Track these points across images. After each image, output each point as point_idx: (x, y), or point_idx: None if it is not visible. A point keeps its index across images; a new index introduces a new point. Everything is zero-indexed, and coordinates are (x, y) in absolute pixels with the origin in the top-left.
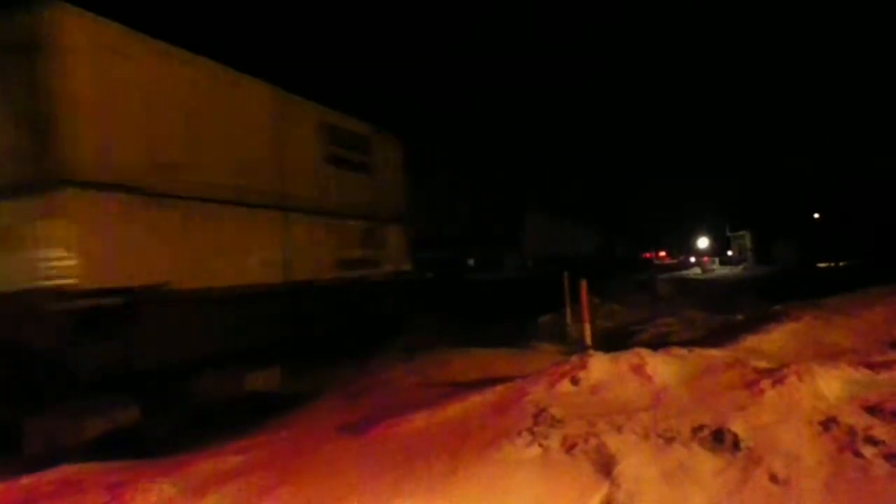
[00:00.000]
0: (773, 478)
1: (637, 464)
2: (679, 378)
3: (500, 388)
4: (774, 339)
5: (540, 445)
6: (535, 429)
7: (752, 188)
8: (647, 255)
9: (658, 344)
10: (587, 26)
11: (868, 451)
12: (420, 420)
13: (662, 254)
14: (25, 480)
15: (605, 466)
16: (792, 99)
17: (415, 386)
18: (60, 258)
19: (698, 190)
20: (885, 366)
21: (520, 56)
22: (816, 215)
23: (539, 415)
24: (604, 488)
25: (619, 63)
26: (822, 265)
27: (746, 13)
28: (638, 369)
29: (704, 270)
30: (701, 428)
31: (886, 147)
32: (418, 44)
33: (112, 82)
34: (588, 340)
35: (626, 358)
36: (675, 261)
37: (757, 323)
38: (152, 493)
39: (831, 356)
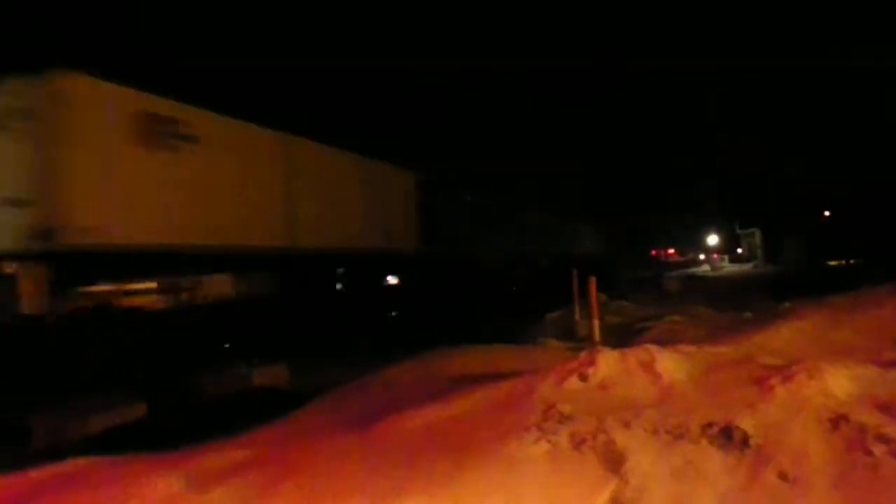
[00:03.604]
0: (782, 475)
1: (645, 460)
2: (688, 374)
3: (507, 384)
4: (783, 337)
5: (548, 441)
6: (544, 425)
7: (762, 186)
8: (654, 252)
9: (667, 340)
10: (601, 35)
11: (878, 449)
12: (426, 415)
13: (671, 251)
14: (33, 473)
15: (614, 463)
16: (802, 96)
17: (421, 382)
18: None
19: (708, 187)
20: (895, 364)
21: (529, 63)
22: (827, 213)
23: (547, 411)
24: (612, 484)
25: (627, 65)
26: (832, 263)
27: (753, 14)
28: (646, 366)
29: (713, 268)
30: (710, 425)
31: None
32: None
33: None
34: (597, 337)
35: (635, 354)
36: (684, 258)
37: (766, 320)
38: (159, 486)
39: (840, 353)
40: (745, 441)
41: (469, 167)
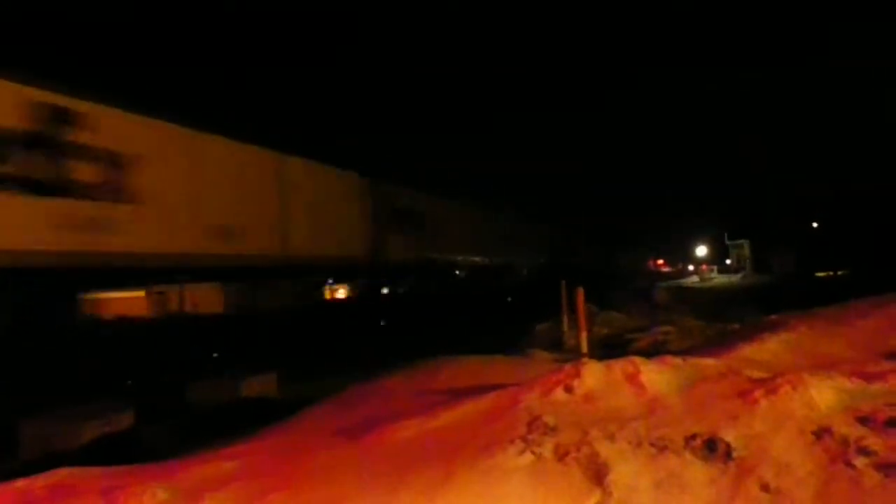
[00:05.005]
0: (765, 487)
1: (629, 472)
2: (673, 387)
3: (493, 395)
4: (769, 349)
5: (533, 453)
6: (528, 436)
7: (751, 197)
8: (652, 262)
9: (654, 352)
10: (597, 43)
11: (860, 461)
12: (414, 427)
13: (661, 262)
14: (20, 484)
15: (597, 474)
16: (790, 109)
17: (410, 392)
18: None
19: (698, 198)
20: (879, 376)
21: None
22: (815, 224)
23: (532, 422)
24: (595, 496)
25: (621, 77)
26: (820, 274)
27: (746, 33)
28: (632, 378)
29: (703, 279)
30: (693, 437)
31: (884, 155)
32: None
33: None
34: (584, 348)
35: (620, 366)
36: (673, 269)
37: (752, 332)
38: (145, 497)
39: (825, 366)
40: (728, 453)
41: (463, 167)
